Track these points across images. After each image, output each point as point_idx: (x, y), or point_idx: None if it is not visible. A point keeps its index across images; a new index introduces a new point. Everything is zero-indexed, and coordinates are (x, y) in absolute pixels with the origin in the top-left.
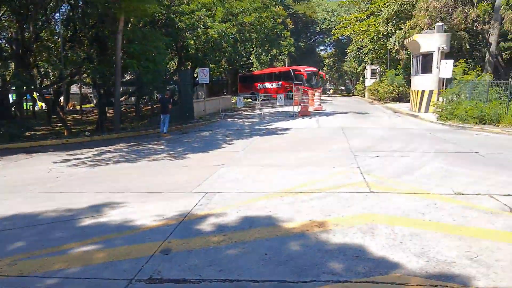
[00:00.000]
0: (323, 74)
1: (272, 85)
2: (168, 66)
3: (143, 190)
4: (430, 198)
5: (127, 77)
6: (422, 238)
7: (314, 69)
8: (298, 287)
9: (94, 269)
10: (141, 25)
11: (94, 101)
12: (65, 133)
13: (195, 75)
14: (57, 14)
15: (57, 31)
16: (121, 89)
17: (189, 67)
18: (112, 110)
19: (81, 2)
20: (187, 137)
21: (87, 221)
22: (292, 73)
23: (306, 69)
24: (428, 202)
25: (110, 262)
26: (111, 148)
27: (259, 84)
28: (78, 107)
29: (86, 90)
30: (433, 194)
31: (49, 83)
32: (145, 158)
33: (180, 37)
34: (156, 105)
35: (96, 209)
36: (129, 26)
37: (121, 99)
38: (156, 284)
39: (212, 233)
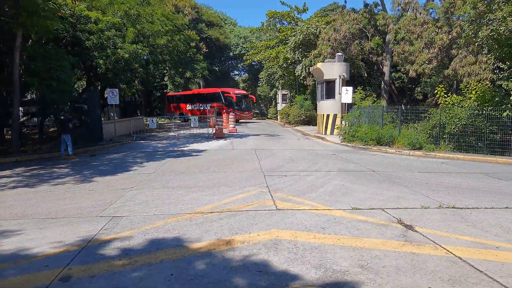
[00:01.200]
0: (253, 97)
1: (201, 106)
2: (76, 86)
3: (43, 216)
4: (330, 214)
5: (29, 97)
6: (321, 251)
7: (244, 92)
8: None
9: None
10: (43, 42)
11: None
12: None
13: (105, 96)
14: None
15: None
16: (21, 109)
17: (99, 87)
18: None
19: None
20: (95, 159)
21: None
22: (222, 95)
23: (236, 91)
24: (329, 218)
25: None
26: (7, 172)
27: (187, 105)
28: None
29: None
30: (333, 210)
31: None
32: (47, 182)
33: (88, 56)
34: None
35: None
36: (29, 42)
37: (22, 119)
38: None
39: (117, 257)
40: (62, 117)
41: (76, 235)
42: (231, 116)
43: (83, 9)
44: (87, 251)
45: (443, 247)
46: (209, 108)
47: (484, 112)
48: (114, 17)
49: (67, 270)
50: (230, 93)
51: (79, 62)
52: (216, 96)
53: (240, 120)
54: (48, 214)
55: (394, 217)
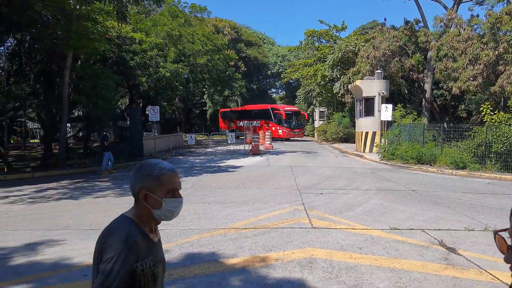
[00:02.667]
0: (305, 114)
1: (250, 123)
2: (119, 103)
3: (85, 227)
4: (368, 233)
5: (76, 113)
6: (357, 271)
7: (295, 108)
8: None
9: None
10: (91, 62)
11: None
12: (6, 169)
13: (147, 113)
14: (2, 48)
15: (1, 65)
16: (68, 125)
17: (140, 104)
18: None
19: (28, 37)
20: None
21: (20, 260)
22: (271, 112)
23: (286, 108)
24: (366, 237)
25: None
26: (54, 184)
27: (239, 122)
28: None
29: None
30: (371, 229)
31: None
32: (89, 195)
33: (132, 75)
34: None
35: (32, 247)
36: (78, 62)
37: (68, 135)
38: None
39: None
40: (104, 133)
41: None
42: (268, 133)
43: (128, 31)
44: None
45: (488, 272)
46: (259, 125)
47: None
48: (157, 38)
49: None
50: (279, 110)
51: (123, 80)
52: (266, 112)
53: (291, 138)
54: (89, 225)
55: (435, 238)
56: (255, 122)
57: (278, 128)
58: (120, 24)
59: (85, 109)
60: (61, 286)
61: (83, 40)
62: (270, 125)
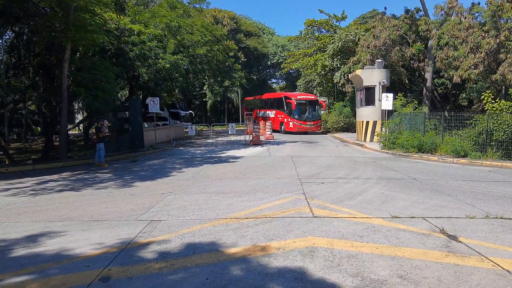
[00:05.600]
0: (323, 103)
1: (267, 113)
2: (119, 95)
3: (86, 218)
4: (369, 222)
5: (76, 106)
6: (358, 259)
7: (311, 96)
8: None
9: None
10: (90, 54)
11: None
12: (7, 162)
13: (147, 104)
14: (0, 41)
15: None
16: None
17: (140, 96)
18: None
19: (26, 30)
20: (136, 165)
21: (22, 251)
22: (284, 101)
23: (298, 96)
24: (367, 226)
25: None
26: (55, 176)
27: (258, 111)
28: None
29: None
30: (372, 218)
31: None
32: (90, 186)
33: (131, 66)
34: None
35: (33, 238)
36: (77, 54)
37: (69, 127)
38: None
39: (154, 260)
40: (97, 126)
41: (116, 238)
42: (268, 123)
43: (127, 22)
44: (126, 253)
45: (489, 259)
46: (273, 115)
47: None
48: (156, 29)
49: (107, 271)
50: (291, 99)
51: (122, 72)
52: (280, 101)
53: (303, 132)
54: (90, 216)
55: (436, 226)
56: (270, 112)
57: (289, 119)
58: (118, 16)
59: (84, 101)
60: (63, 277)
61: (81, 32)
62: (282, 116)
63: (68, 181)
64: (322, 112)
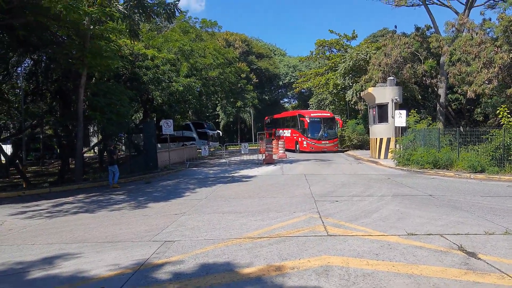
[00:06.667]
0: (340, 121)
1: (284, 132)
2: (133, 117)
3: (101, 240)
4: (384, 240)
5: (91, 129)
6: (374, 278)
7: (326, 114)
8: None
9: None
10: (105, 79)
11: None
12: (24, 185)
13: (161, 125)
14: (19, 69)
15: (18, 85)
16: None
17: (154, 118)
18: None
19: (44, 57)
20: (150, 186)
21: (38, 274)
22: (298, 119)
23: (312, 114)
24: (383, 244)
25: None
26: (70, 199)
27: (275, 131)
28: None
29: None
30: (387, 236)
31: (8, 135)
32: (105, 208)
33: (145, 90)
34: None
35: (49, 261)
36: (93, 80)
37: (84, 150)
38: None
39: (168, 280)
40: (108, 149)
41: (130, 259)
42: (281, 142)
43: (141, 48)
44: (140, 274)
45: (510, 276)
46: (289, 134)
47: None
48: (169, 53)
49: None
50: (304, 117)
51: (136, 95)
52: (294, 119)
53: (318, 151)
54: (105, 238)
55: (454, 243)
56: (287, 131)
57: (303, 138)
58: (132, 42)
59: (100, 124)
60: None
61: (97, 58)
62: (297, 135)
63: (83, 203)
64: (338, 129)
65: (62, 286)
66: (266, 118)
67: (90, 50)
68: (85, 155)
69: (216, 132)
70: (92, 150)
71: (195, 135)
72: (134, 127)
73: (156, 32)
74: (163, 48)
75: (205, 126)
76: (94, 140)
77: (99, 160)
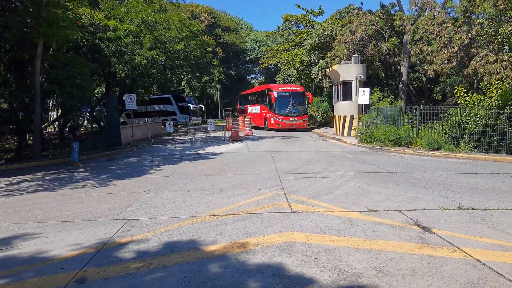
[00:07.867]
0: (310, 95)
1: (255, 108)
2: (95, 92)
3: (62, 219)
4: (346, 216)
5: (50, 103)
6: (335, 253)
7: (295, 88)
8: None
9: None
10: (64, 50)
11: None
12: None
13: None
14: None
15: None
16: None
17: (117, 93)
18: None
19: None
20: (113, 163)
21: None
22: (266, 94)
23: (280, 88)
24: (344, 220)
25: None
26: (29, 177)
27: (248, 107)
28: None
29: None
30: (349, 212)
31: None
32: (66, 186)
33: (107, 63)
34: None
35: (7, 241)
36: (50, 51)
37: (43, 125)
38: None
39: (131, 259)
40: (70, 125)
41: (93, 238)
42: (247, 119)
43: (101, 18)
44: (103, 254)
45: (461, 250)
46: (259, 110)
47: (505, 111)
48: (132, 24)
49: (83, 272)
50: (272, 91)
51: (98, 69)
52: (262, 94)
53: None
54: (66, 217)
55: (411, 219)
56: (257, 107)
57: (270, 115)
58: (92, 11)
59: (59, 98)
60: (37, 280)
61: (53, 27)
62: (265, 111)
63: (42, 181)
64: (309, 105)
65: (21, 267)
66: (241, 93)
67: (45, 18)
68: (44, 131)
69: (198, 106)
70: (52, 126)
71: (176, 110)
72: (96, 102)
73: (118, 2)
74: (126, 19)
75: (187, 99)
76: (54, 115)
77: (59, 136)
